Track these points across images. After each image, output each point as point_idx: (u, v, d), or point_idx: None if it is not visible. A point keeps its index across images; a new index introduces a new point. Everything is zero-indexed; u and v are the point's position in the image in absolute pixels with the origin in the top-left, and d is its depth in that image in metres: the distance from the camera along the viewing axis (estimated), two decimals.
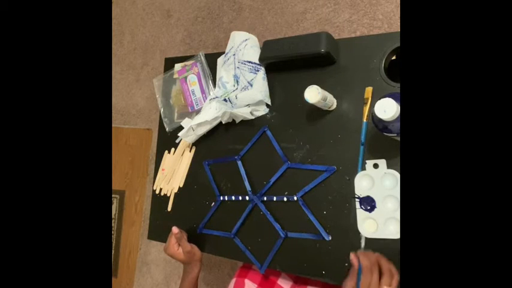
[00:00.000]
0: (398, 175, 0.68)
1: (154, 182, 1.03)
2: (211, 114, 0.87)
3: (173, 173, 1.00)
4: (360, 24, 1.34)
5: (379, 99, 0.56)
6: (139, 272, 1.75)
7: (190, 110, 0.97)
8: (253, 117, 0.87)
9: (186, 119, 0.96)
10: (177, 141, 0.99)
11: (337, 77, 0.78)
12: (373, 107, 0.56)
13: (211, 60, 0.96)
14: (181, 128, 0.94)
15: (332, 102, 0.75)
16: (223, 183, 0.91)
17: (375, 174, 0.70)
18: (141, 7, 2.01)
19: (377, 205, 0.69)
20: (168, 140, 1.01)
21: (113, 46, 2.03)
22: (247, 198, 0.85)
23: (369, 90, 0.73)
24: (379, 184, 0.70)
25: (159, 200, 1.02)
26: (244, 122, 0.89)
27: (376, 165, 0.71)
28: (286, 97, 0.85)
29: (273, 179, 0.82)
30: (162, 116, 1.02)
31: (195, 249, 0.86)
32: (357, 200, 0.71)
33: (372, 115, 0.59)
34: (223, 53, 0.92)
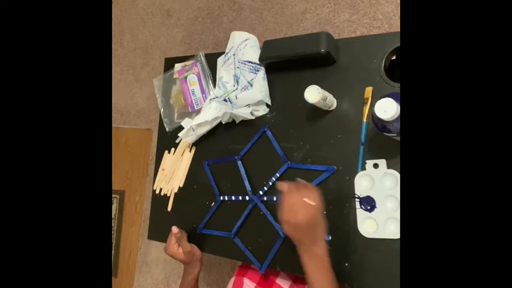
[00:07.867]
0: (398, 175, 0.68)
1: (154, 182, 1.03)
2: (211, 114, 0.87)
3: (173, 173, 1.00)
4: (360, 24, 1.34)
5: (379, 99, 0.56)
6: (139, 272, 1.75)
7: (190, 110, 0.97)
8: (253, 117, 0.87)
9: (186, 119, 0.96)
10: (177, 141, 0.99)
11: (337, 77, 0.78)
12: (373, 107, 0.56)
13: (211, 60, 0.96)
14: (181, 128, 0.94)
15: (332, 102, 0.75)
16: (223, 183, 0.91)
17: (375, 174, 0.70)
18: (141, 7, 2.00)
19: (377, 205, 0.69)
20: (168, 140, 1.01)
21: (113, 46, 2.03)
22: (247, 198, 0.85)
23: (368, 90, 0.73)
24: (379, 184, 0.70)
25: (159, 200, 1.02)
26: (244, 122, 0.89)
27: (376, 165, 0.71)
28: (286, 97, 0.85)
29: (273, 179, 0.82)
30: (162, 116, 1.02)
31: (195, 249, 0.86)
32: (357, 200, 0.71)
33: (372, 115, 0.59)
34: (223, 53, 0.92)
